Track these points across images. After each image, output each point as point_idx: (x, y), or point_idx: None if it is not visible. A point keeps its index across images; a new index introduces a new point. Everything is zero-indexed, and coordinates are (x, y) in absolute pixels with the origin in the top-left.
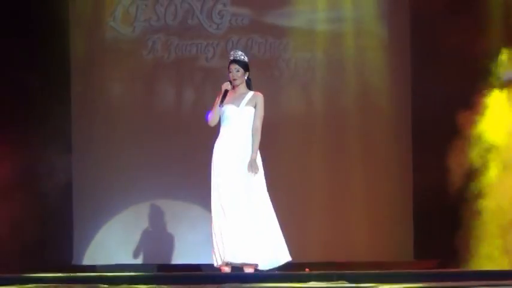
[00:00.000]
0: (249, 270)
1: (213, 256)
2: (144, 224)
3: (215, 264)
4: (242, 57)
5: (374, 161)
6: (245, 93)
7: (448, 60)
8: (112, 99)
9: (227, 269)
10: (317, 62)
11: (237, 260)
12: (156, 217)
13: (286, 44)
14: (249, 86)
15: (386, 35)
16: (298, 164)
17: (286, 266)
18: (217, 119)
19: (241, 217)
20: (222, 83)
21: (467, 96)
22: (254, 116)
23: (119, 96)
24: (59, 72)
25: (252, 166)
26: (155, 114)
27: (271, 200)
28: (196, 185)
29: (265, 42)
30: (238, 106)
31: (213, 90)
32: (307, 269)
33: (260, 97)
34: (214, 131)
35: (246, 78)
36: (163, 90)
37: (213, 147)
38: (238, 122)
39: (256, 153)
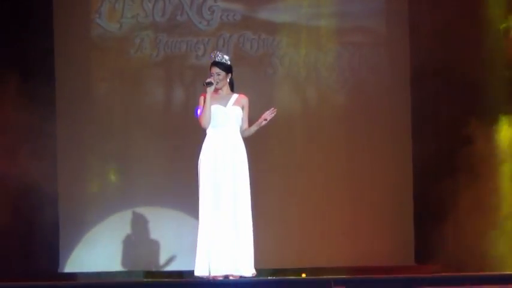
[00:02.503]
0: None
1: (196, 264)
2: (130, 231)
3: (196, 273)
4: (223, 59)
5: (372, 161)
6: (230, 95)
7: (449, 55)
8: (98, 100)
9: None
10: (312, 58)
11: (222, 272)
12: (142, 224)
13: (279, 40)
14: (232, 88)
15: (384, 31)
16: (293, 163)
17: (282, 272)
18: (210, 119)
19: (226, 223)
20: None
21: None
22: (243, 119)
23: (105, 97)
24: (43, 71)
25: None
26: (143, 116)
27: (265, 202)
28: (182, 191)
29: (257, 38)
30: (225, 106)
31: (204, 90)
32: (303, 275)
33: (247, 100)
34: (204, 134)
35: (228, 80)
36: (152, 90)
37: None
38: (226, 121)
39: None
